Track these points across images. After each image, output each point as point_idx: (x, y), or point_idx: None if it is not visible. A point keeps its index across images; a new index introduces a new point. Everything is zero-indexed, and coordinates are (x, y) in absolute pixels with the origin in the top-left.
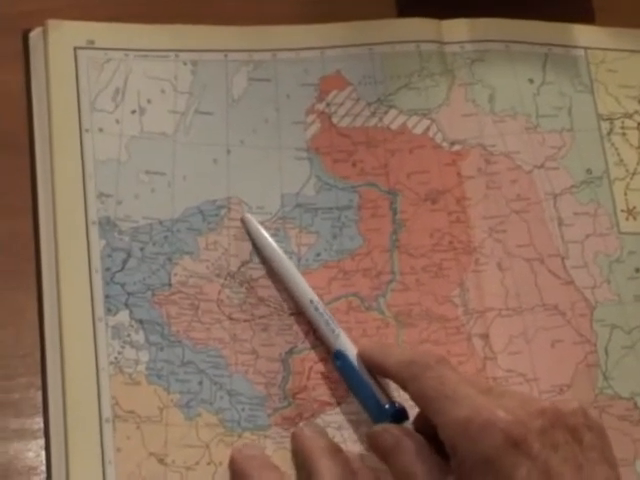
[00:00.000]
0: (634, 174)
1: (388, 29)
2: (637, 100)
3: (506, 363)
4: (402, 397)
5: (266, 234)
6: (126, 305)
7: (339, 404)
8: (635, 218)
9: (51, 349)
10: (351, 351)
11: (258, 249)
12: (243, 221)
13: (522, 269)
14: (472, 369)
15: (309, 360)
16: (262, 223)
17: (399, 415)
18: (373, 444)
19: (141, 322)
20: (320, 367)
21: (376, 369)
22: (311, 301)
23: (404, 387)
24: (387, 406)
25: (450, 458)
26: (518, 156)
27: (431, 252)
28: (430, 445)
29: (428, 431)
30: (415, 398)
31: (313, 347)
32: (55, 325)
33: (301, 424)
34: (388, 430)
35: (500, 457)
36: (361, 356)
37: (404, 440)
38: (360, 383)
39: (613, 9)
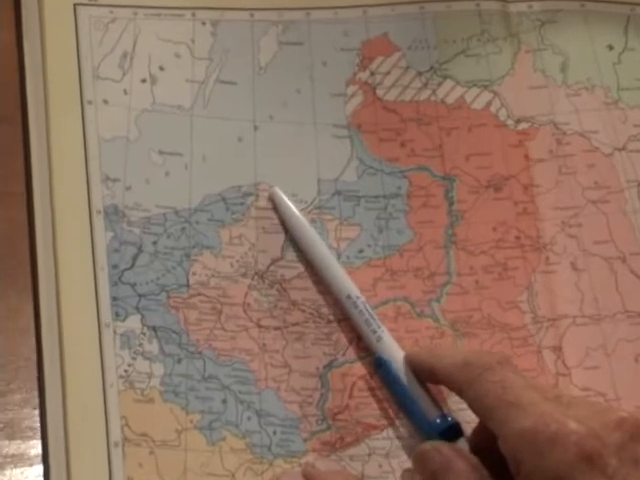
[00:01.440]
0: None
1: None
2: None
3: (582, 380)
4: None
5: (296, 211)
6: (137, 309)
7: (387, 427)
8: None
9: (49, 361)
10: (396, 356)
11: (288, 231)
12: (271, 197)
13: (600, 269)
14: None
15: (351, 375)
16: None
17: (452, 431)
18: (419, 465)
19: (155, 329)
20: (364, 383)
21: (427, 375)
22: (349, 296)
23: (459, 393)
24: (438, 420)
25: (513, 476)
26: (596, 136)
27: (494, 249)
28: (488, 467)
29: (487, 448)
30: (473, 405)
31: (356, 360)
32: (54, 333)
33: (310, 460)
34: (437, 449)
35: (572, 475)
36: (408, 360)
37: (455, 461)
38: (405, 394)
39: None
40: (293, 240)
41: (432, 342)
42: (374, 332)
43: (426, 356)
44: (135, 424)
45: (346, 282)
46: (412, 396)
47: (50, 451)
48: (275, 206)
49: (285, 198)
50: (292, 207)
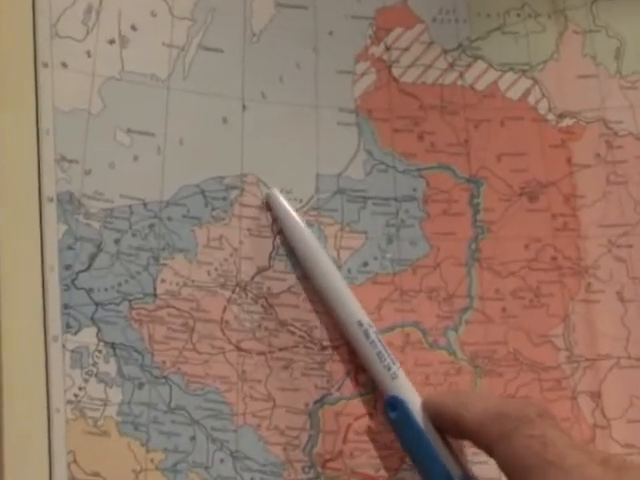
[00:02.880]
0: None
1: None
2: None
3: (624, 435)
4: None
5: (298, 218)
6: (92, 320)
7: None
8: None
9: None
10: (412, 399)
11: (285, 240)
12: (268, 199)
13: None
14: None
15: (347, 414)
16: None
17: None
18: None
19: (113, 346)
20: (363, 425)
21: (449, 425)
22: (360, 323)
23: (489, 449)
24: None
25: None
26: None
27: (525, 270)
28: None
29: None
30: (504, 464)
31: (354, 396)
32: None
33: None
34: None
35: None
36: (427, 407)
37: None
38: (423, 445)
39: None
40: (285, 247)
41: (446, 379)
42: (388, 368)
43: (451, 402)
44: (85, 461)
45: (357, 307)
46: (430, 449)
47: None
48: (271, 210)
49: (285, 202)
50: (293, 214)
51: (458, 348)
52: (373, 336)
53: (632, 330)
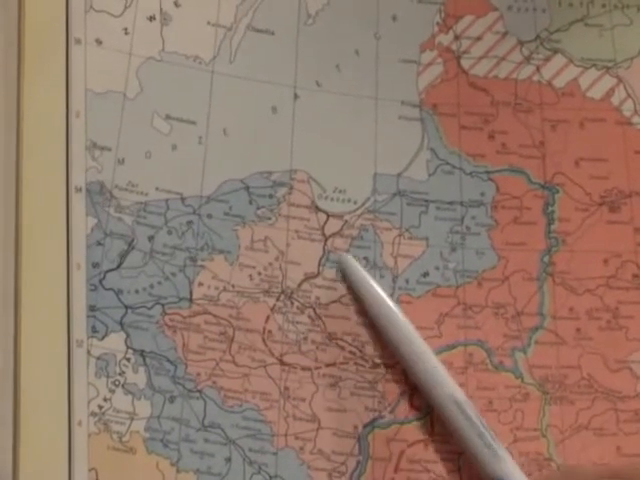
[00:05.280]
0: None
1: None
2: None
3: None
4: None
5: (376, 286)
6: (121, 325)
7: None
8: None
9: (0, 388)
10: None
11: (366, 310)
12: (339, 262)
13: None
14: None
15: (400, 440)
16: (347, 223)
17: None
18: None
19: (143, 354)
20: (417, 452)
21: None
22: (455, 401)
23: None
24: None
25: None
26: None
27: (603, 288)
28: None
29: None
30: None
31: (408, 420)
32: (9, 351)
33: None
34: None
35: None
36: None
37: None
38: None
39: None
40: (353, 294)
41: (511, 405)
42: (491, 448)
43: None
44: (108, 479)
45: (447, 380)
46: None
47: None
48: (344, 276)
49: (361, 269)
50: (372, 282)
51: (526, 371)
52: (471, 412)
53: None
